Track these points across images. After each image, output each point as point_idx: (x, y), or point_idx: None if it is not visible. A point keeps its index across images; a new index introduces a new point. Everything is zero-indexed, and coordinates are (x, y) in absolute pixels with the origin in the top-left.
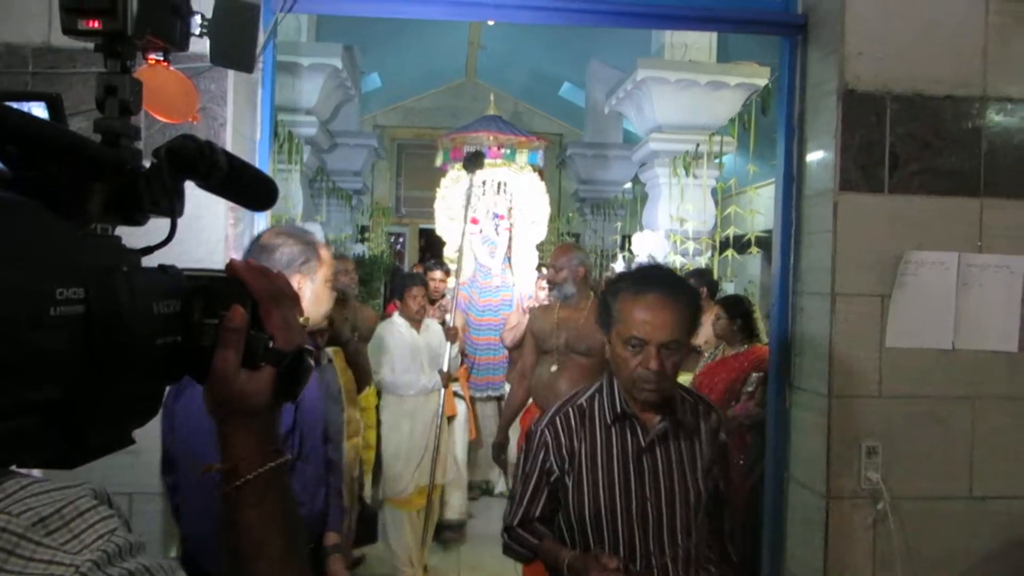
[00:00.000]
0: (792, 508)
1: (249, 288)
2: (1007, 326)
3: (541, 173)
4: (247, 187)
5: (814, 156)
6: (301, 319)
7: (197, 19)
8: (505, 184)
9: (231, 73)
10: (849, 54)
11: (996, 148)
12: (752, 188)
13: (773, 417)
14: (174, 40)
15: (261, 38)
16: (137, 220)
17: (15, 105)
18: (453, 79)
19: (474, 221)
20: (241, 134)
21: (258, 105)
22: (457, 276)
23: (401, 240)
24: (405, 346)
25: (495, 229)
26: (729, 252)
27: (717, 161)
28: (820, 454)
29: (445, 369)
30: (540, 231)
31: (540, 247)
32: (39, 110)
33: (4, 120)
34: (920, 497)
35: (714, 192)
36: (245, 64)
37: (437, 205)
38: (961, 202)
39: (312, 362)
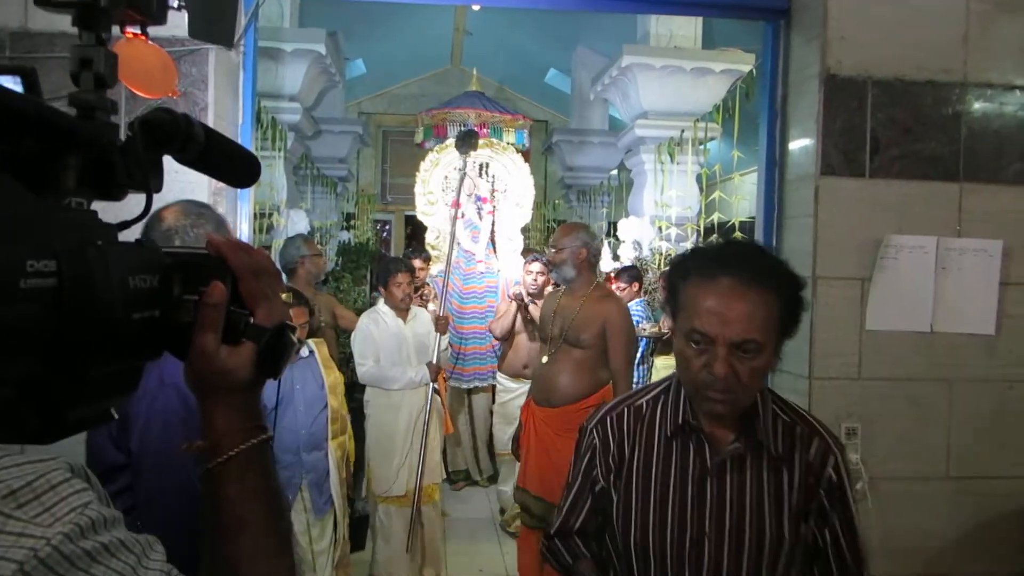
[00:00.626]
0: None
1: (229, 263)
2: (984, 309)
3: (526, 154)
4: (227, 162)
5: (796, 141)
6: (283, 295)
7: None
8: (487, 165)
9: (212, 57)
10: (831, 39)
11: (975, 133)
12: (737, 175)
13: None
14: (151, 12)
15: (242, 17)
16: (113, 195)
17: None
18: (438, 65)
19: (455, 204)
20: (222, 118)
21: (240, 89)
22: (448, 264)
23: (387, 227)
24: (391, 337)
25: (478, 212)
26: (714, 239)
27: (702, 147)
28: None
29: (434, 362)
30: (525, 214)
31: (525, 231)
32: (13, 84)
33: None
34: (898, 478)
35: (699, 178)
36: (225, 38)
37: (417, 189)
38: (941, 187)
39: (295, 339)
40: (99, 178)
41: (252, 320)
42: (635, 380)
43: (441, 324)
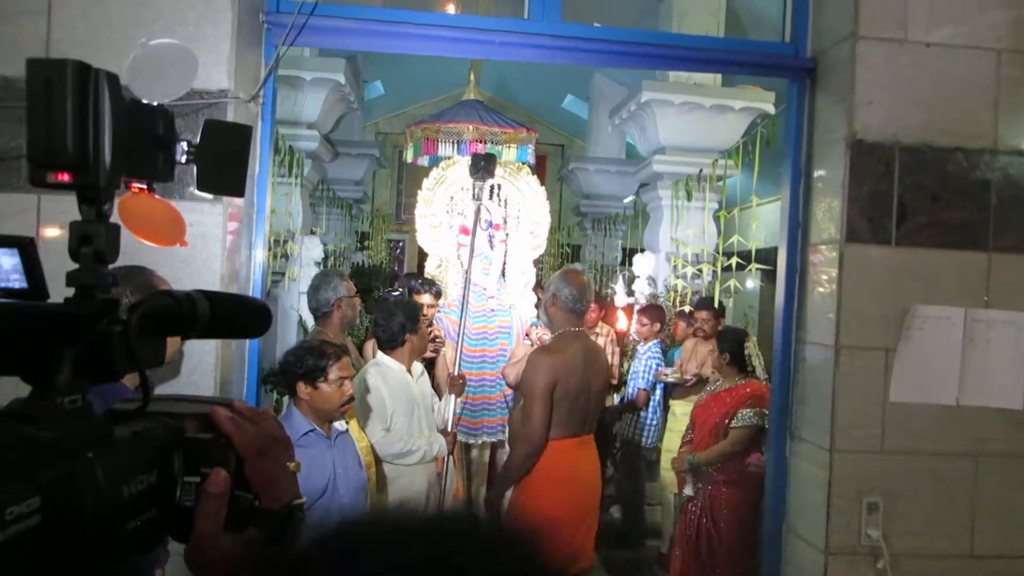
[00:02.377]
0: (790, 562)
1: (233, 442)
2: (1012, 383)
3: (537, 169)
4: (235, 323)
5: (821, 205)
6: (291, 465)
7: (183, 146)
8: (499, 187)
9: (231, 109)
10: (859, 103)
11: (1005, 202)
12: (755, 199)
13: (773, 466)
14: (156, 174)
15: (263, 67)
16: (111, 379)
17: None
18: (456, 87)
19: (464, 231)
20: None
21: (257, 140)
22: (463, 307)
23: (401, 246)
24: (403, 399)
25: (489, 241)
26: (732, 282)
27: (720, 184)
28: (820, 508)
29: (450, 428)
30: (540, 244)
31: (538, 263)
32: (9, 257)
33: None
34: (921, 555)
35: (716, 217)
36: (236, 190)
37: (418, 211)
38: (969, 256)
39: (302, 514)
40: (98, 366)
41: (258, 503)
42: (649, 423)
43: (457, 384)
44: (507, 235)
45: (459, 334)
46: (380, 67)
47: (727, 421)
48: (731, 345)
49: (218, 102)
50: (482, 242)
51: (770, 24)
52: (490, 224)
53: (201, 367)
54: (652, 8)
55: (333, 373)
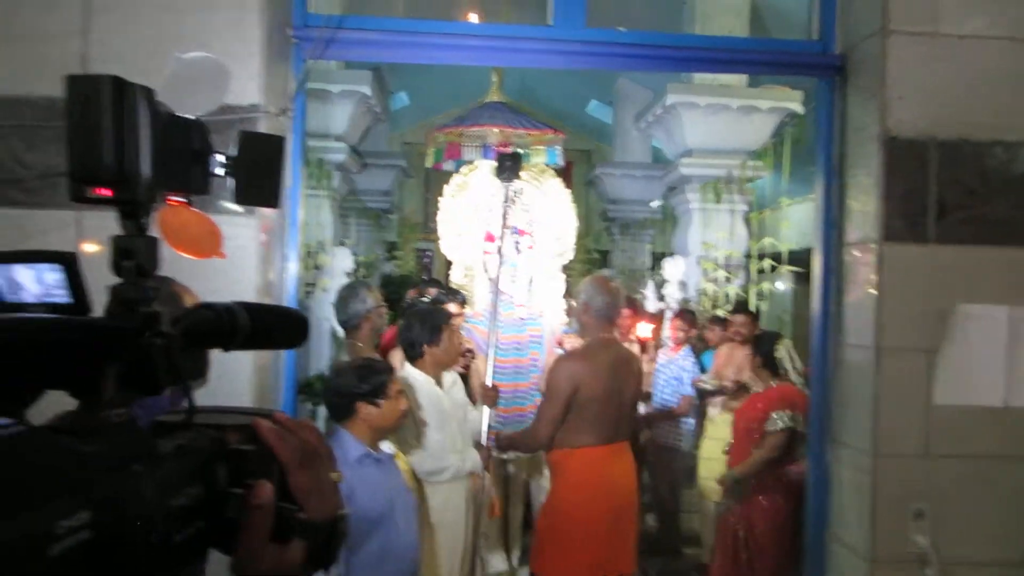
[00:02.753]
0: (833, 570)
1: (276, 454)
2: None
3: (564, 174)
4: (274, 334)
5: (856, 204)
6: (333, 475)
7: (219, 159)
8: (522, 192)
9: (262, 125)
10: (890, 98)
11: None
12: (784, 200)
13: (814, 472)
14: (194, 187)
15: (292, 81)
16: (156, 392)
17: (25, 268)
18: (480, 96)
19: (489, 238)
20: None
21: (289, 152)
22: (492, 318)
23: (429, 254)
24: (433, 411)
25: (515, 247)
26: (765, 285)
27: (749, 186)
28: (864, 515)
29: (484, 443)
30: (566, 250)
31: (568, 269)
32: (53, 272)
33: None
34: (972, 563)
35: (746, 219)
36: (272, 200)
37: (440, 217)
38: (1011, 252)
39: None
40: (141, 380)
41: (303, 514)
42: (686, 429)
43: (489, 396)
44: (533, 241)
45: (489, 344)
46: (405, 78)
47: (761, 426)
48: (762, 349)
49: (249, 116)
50: (508, 247)
51: (794, 22)
52: (515, 230)
53: (239, 376)
54: (675, 11)
55: (392, 388)
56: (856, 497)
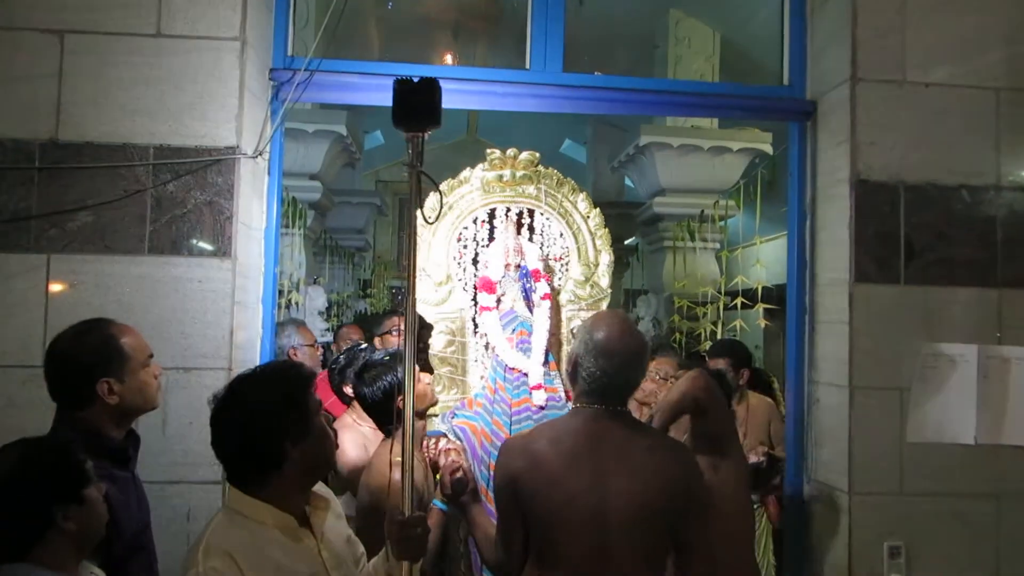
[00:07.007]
0: None
1: None
2: None
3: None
4: None
5: (827, 245)
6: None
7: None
8: (532, 214)
9: (239, 166)
10: (861, 143)
11: (1012, 237)
12: (758, 239)
13: (790, 510)
14: None
15: (268, 123)
16: None
17: None
18: (454, 136)
19: (487, 286)
20: (247, 224)
21: (264, 194)
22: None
23: (403, 292)
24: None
25: (526, 298)
26: (737, 323)
27: (721, 224)
28: (841, 553)
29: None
30: (602, 297)
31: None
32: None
33: None
34: None
35: (718, 256)
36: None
37: (423, 264)
38: (979, 292)
39: None
40: None
41: None
42: None
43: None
44: (552, 287)
45: (488, 449)
46: (379, 116)
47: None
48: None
49: (226, 158)
50: (516, 301)
51: (763, 68)
52: (525, 272)
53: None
54: (646, 56)
55: None
56: (832, 535)
